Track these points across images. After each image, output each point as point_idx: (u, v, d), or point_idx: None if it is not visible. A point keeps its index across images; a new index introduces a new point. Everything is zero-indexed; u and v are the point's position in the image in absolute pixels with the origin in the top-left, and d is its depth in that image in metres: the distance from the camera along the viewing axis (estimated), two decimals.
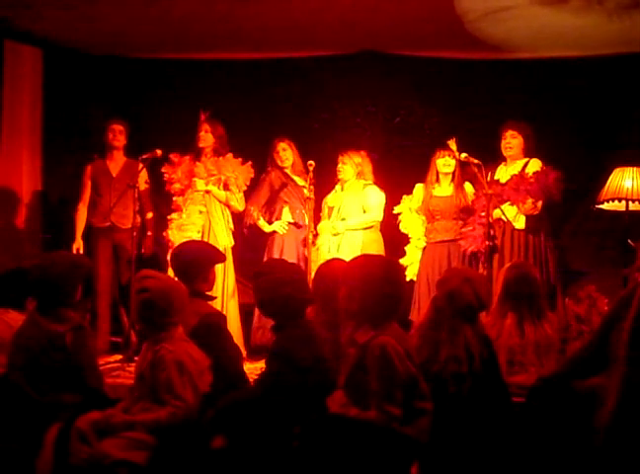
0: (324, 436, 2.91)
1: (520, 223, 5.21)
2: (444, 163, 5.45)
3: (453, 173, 5.49)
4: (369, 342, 2.97)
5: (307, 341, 3.34)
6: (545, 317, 4.23)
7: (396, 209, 5.63)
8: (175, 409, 3.17)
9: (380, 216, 5.61)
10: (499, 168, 5.44)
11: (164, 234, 5.62)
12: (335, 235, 5.56)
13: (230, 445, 3.11)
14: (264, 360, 3.60)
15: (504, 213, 5.13)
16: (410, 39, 6.06)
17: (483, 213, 5.14)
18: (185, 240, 5.06)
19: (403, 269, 3.33)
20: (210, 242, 5.34)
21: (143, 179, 5.69)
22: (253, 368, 4.76)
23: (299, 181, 5.72)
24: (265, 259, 5.56)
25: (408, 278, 5.51)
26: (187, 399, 3.20)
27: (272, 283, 3.43)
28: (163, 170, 5.65)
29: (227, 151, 5.68)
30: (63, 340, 3.40)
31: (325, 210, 5.71)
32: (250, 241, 5.89)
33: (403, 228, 5.63)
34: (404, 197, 5.65)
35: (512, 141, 5.36)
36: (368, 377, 2.94)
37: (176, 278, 3.77)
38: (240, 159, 5.67)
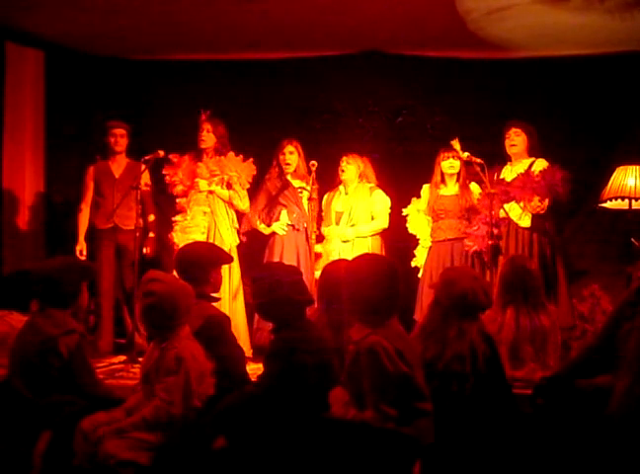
0: (324, 438, 2.91)
1: (525, 222, 5.19)
2: (449, 165, 5.45)
3: (458, 173, 5.49)
4: (362, 340, 2.97)
5: (307, 342, 3.31)
6: (543, 308, 4.26)
7: (405, 211, 5.64)
8: (160, 402, 3.18)
9: (387, 223, 5.62)
10: (504, 168, 5.43)
11: (169, 236, 5.61)
12: (345, 242, 5.57)
13: (231, 446, 3.11)
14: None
15: (507, 212, 5.12)
16: (412, 39, 6.07)
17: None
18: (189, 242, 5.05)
19: (401, 267, 3.31)
20: (217, 242, 5.32)
21: (145, 180, 5.69)
22: (257, 369, 4.75)
23: (297, 183, 5.68)
24: (265, 261, 5.54)
25: None
26: (174, 393, 3.19)
27: (268, 286, 3.41)
28: (164, 172, 5.64)
29: (228, 150, 5.65)
30: (56, 343, 3.39)
31: (332, 215, 5.68)
32: (251, 243, 5.88)
33: (411, 229, 5.64)
34: (413, 199, 5.64)
35: (515, 139, 5.36)
36: (363, 376, 2.93)
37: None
38: (241, 156, 5.66)
